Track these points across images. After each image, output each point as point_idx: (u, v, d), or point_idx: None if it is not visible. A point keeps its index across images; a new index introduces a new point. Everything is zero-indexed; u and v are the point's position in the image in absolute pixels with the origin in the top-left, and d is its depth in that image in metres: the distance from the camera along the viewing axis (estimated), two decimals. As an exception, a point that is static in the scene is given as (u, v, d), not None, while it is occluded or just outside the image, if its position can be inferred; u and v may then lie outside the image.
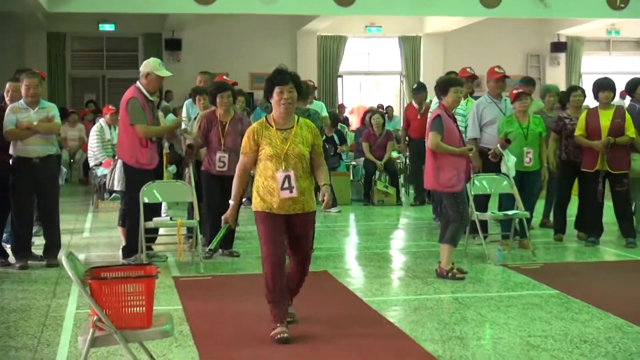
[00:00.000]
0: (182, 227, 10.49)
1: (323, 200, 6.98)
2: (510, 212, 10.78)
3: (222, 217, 7.15)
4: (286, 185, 6.83)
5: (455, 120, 9.62)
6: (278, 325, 6.88)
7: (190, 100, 11.92)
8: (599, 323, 7.60)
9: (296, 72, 7.25)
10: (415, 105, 15.32)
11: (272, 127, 6.99)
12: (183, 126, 11.47)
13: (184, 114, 11.67)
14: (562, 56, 25.92)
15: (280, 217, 6.97)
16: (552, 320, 7.73)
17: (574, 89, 12.14)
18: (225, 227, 7.19)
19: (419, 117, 14.93)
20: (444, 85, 9.55)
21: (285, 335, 6.81)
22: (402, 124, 16.06)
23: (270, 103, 7.03)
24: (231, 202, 7.18)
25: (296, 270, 7.28)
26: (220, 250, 10.62)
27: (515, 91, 11.14)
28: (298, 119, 7.13)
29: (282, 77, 6.96)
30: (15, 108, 9.86)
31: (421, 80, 24.58)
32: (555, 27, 24.83)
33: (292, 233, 7.09)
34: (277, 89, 6.88)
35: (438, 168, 9.36)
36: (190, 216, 10.73)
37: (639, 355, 6.58)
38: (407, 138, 15.62)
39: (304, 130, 7.06)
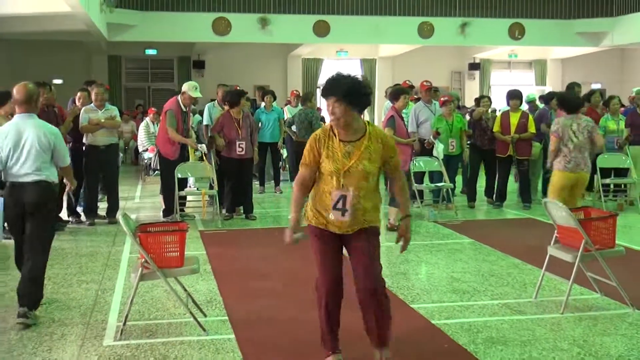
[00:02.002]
0: (205, 195, 10.50)
1: (400, 237, 4.60)
2: (439, 184, 10.84)
3: (289, 239, 4.41)
4: (340, 205, 4.35)
5: (402, 119, 9.63)
6: (330, 354, 4.55)
7: (211, 103, 11.80)
8: (502, 262, 7.64)
9: (354, 78, 4.35)
10: None
11: (336, 137, 4.38)
12: (205, 122, 11.40)
13: (205, 113, 11.56)
14: (476, 73, 25.88)
15: (336, 236, 4.47)
16: (469, 261, 7.77)
17: (483, 97, 12.26)
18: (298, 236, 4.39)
19: None
20: (396, 93, 9.57)
21: None
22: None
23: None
24: (292, 215, 4.45)
25: (364, 301, 4.40)
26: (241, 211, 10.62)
27: (442, 99, 11.31)
28: (367, 128, 4.41)
29: (326, 88, 4.34)
30: (87, 109, 9.92)
31: (376, 90, 24.68)
32: (471, 52, 24.78)
33: (351, 251, 4.50)
34: (327, 102, 4.32)
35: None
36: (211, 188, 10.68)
37: (531, 285, 6.62)
38: None
39: (373, 142, 4.37)
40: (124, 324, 5.26)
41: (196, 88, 10.06)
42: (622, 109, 13.30)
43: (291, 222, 4.45)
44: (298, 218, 4.47)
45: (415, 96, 13.09)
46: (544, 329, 5.38)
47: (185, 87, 10.06)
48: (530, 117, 11.16)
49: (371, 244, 4.48)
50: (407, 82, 12.86)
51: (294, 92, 15.33)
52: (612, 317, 5.66)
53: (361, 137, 4.38)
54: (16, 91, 5.73)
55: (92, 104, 9.99)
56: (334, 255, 4.48)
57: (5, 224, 5.93)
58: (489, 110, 12.03)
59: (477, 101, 12.23)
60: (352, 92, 4.28)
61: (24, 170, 5.60)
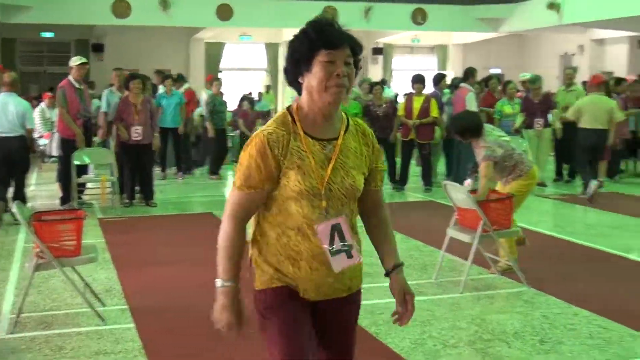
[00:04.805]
0: (105, 182, 10.30)
1: (401, 308, 2.92)
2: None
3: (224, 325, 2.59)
4: (338, 245, 2.70)
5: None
6: None
7: (109, 89, 11.49)
8: (404, 245, 7.80)
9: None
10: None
11: (303, 134, 2.52)
12: (103, 109, 11.07)
13: (103, 99, 11.26)
14: (379, 57, 26.15)
15: (306, 303, 2.65)
16: (370, 243, 7.85)
17: (376, 84, 12.14)
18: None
19: None
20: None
21: None
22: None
23: (300, 83, 2.53)
24: (225, 283, 2.55)
25: None
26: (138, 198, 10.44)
27: None
28: (348, 118, 2.64)
29: (333, 33, 2.49)
30: None
31: (278, 76, 24.64)
32: (375, 36, 25.02)
33: (323, 326, 2.74)
34: (324, 55, 2.44)
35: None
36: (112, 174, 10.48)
37: (431, 266, 6.77)
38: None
39: (356, 140, 2.64)
40: (18, 316, 5.12)
41: (79, 58, 9.88)
42: (519, 93, 13.72)
43: (224, 293, 2.58)
44: (237, 283, 2.58)
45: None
46: (444, 308, 5.52)
47: (70, 63, 9.88)
48: (433, 101, 11.34)
49: (352, 329, 2.85)
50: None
51: (211, 76, 15.17)
52: (508, 296, 5.86)
53: (340, 131, 2.61)
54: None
55: None
56: (304, 332, 2.63)
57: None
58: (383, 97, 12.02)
59: (370, 89, 12.22)
60: (360, 48, 2.59)
61: None
